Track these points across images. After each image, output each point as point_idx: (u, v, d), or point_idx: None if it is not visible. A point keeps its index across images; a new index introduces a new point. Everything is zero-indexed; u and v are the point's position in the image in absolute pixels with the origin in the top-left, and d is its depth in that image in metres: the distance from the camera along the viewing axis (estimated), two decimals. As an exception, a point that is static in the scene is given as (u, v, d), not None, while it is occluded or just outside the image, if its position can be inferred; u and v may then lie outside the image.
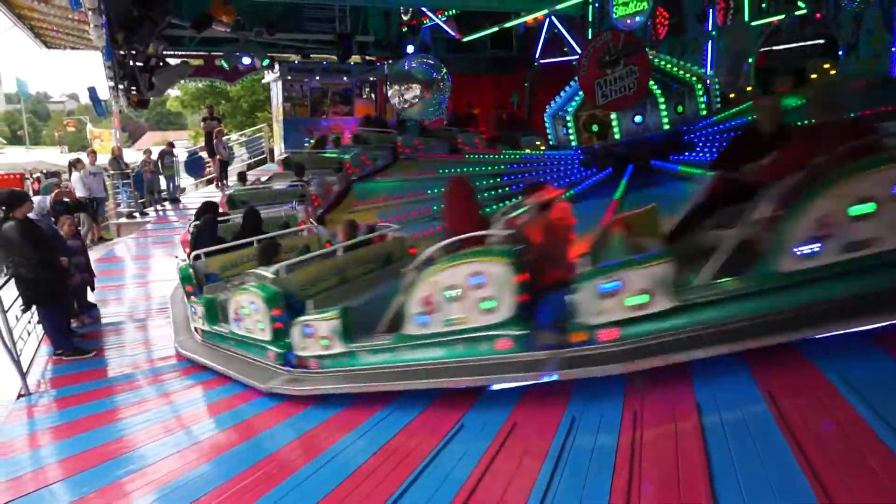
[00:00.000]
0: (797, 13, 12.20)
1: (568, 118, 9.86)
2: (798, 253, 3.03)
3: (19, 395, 5.39)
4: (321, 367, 4.59)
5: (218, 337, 5.90)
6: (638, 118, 9.28)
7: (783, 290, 3.07)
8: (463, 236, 3.90)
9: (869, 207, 2.91)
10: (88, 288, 8.10)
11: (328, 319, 4.39)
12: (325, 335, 4.45)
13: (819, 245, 3.00)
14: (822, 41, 12.16)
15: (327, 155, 14.52)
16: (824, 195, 2.98)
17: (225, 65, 16.81)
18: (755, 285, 3.11)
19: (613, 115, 9.25)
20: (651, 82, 9.24)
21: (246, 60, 16.30)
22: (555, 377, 3.38)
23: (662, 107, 9.15)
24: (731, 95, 11.98)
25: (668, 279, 3.19)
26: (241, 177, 13.50)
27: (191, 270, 6.61)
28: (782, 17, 12.37)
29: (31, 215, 6.41)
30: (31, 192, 14.27)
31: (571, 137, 9.85)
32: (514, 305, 3.50)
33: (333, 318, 4.36)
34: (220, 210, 8.69)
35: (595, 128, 9.56)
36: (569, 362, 3.36)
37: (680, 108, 9.36)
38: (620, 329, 3.28)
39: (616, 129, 9.35)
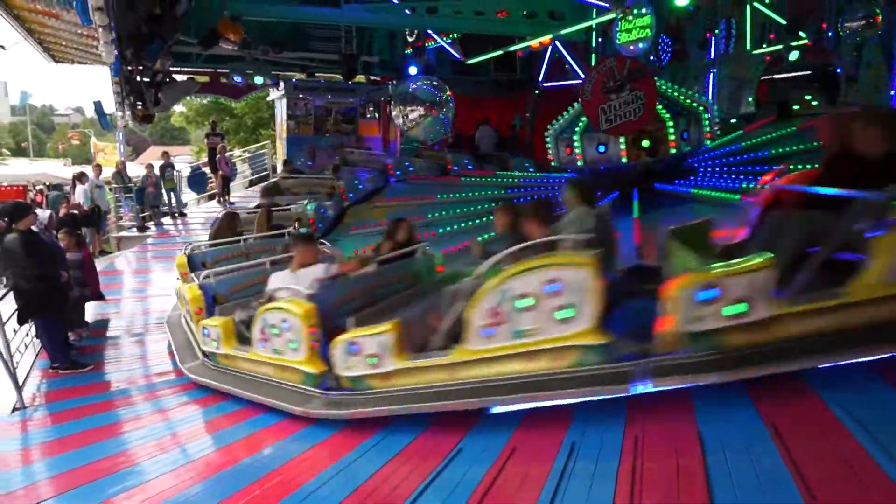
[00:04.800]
0: (798, 43, 12.37)
1: (574, 139, 9.94)
2: None
3: (14, 409, 5.35)
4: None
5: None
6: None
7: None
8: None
9: None
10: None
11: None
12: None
13: None
14: (822, 71, 12.30)
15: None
16: None
17: (260, 80, 16.68)
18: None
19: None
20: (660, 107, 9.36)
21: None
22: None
23: (671, 131, 9.21)
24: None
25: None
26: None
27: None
28: (780, 48, 12.53)
29: (32, 228, 6.42)
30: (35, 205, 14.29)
31: (578, 159, 9.91)
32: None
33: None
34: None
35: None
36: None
37: (686, 135, 9.42)
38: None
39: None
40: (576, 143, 9.72)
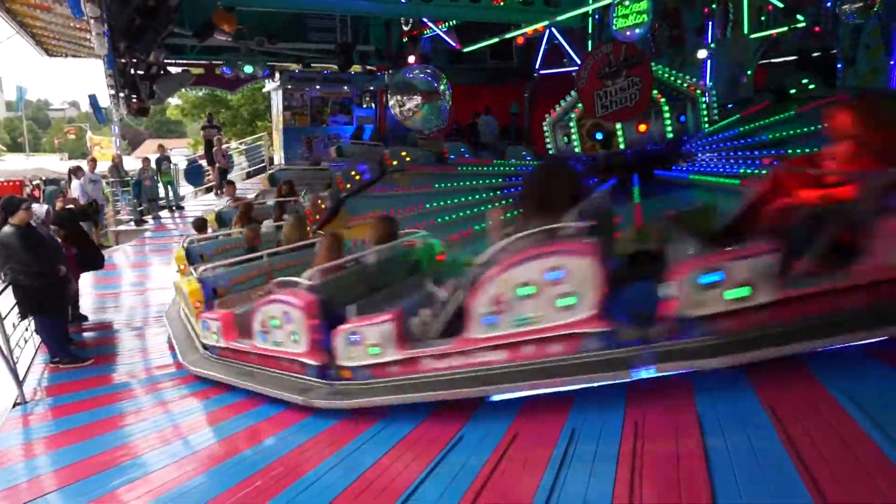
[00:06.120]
0: (796, 26, 12.29)
1: (570, 127, 9.89)
2: None
3: (15, 404, 5.36)
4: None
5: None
6: (642, 127, 9.26)
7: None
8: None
9: None
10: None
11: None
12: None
13: None
14: (820, 54, 12.24)
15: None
16: None
17: (250, 69, 16.50)
18: None
19: (618, 125, 9.23)
20: (655, 92, 9.29)
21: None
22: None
23: (667, 116, 9.16)
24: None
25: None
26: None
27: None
28: (786, 29, 12.43)
29: (31, 222, 6.39)
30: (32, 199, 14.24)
31: (575, 146, 9.83)
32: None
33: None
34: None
35: (599, 136, 9.55)
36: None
37: (683, 118, 9.37)
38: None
39: (621, 139, 9.35)
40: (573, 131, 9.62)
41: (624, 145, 9.38)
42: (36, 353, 6.68)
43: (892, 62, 10.31)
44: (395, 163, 13.70)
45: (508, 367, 3.56)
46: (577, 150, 9.80)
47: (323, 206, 11.64)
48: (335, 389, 4.34)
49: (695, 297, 3.15)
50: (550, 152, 10.94)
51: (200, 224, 9.71)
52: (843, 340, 2.96)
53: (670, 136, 9.20)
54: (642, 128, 9.28)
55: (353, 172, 13.06)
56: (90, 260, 8.24)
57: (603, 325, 3.31)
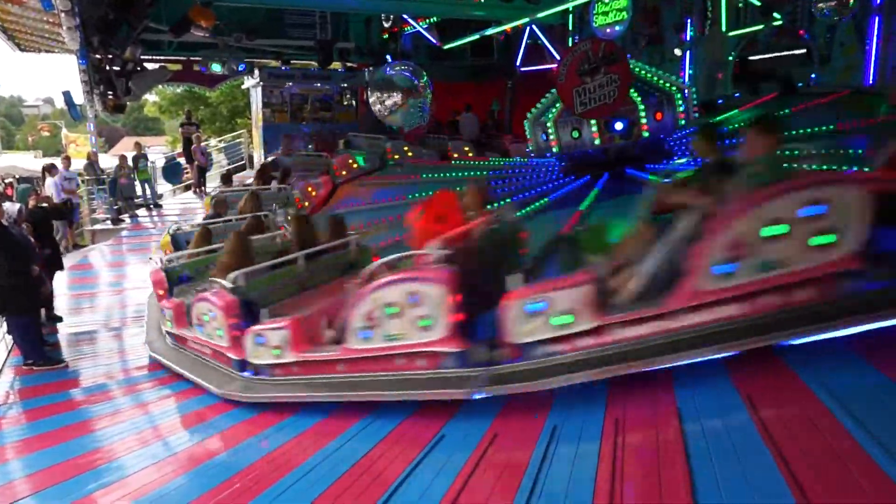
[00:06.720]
0: (770, 24, 12.44)
1: (548, 125, 9.92)
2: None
3: (-12, 407, 5.24)
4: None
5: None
6: (619, 125, 9.33)
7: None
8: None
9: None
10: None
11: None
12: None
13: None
14: (797, 52, 12.39)
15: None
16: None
17: (219, 68, 16.35)
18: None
19: (643, 113, 9.34)
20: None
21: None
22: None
23: (642, 114, 9.22)
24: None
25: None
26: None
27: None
28: (760, 27, 12.58)
29: (2, 221, 6.24)
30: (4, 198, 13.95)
31: (595, 140, 9.85)
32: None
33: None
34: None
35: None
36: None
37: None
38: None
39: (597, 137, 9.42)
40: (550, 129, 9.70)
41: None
42: (8, 355, 6.53)
43: (866, 60, 10.48)
44: (396, 157, 14.19)
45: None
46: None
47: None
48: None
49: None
50: (529, 149, 11.00)
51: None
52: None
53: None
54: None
55: (350, 161, 13.57)
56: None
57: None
